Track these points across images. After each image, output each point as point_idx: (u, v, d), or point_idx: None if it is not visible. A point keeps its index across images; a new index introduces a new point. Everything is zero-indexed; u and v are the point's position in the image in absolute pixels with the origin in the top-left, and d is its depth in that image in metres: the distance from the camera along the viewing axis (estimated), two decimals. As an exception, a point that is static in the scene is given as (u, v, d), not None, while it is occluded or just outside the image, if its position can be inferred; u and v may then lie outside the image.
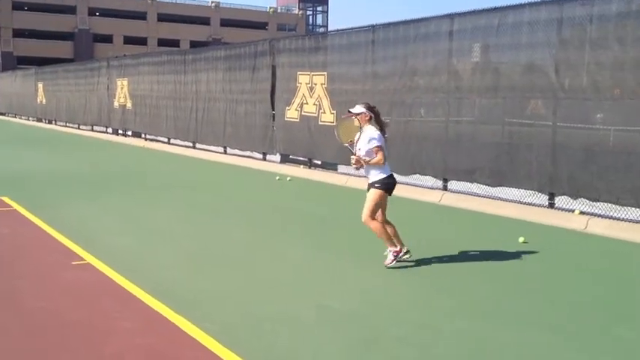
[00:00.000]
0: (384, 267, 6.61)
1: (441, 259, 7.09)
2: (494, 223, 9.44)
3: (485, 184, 10.65)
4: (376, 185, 6.56)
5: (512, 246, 7.79)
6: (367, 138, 6.51)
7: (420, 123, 11.93)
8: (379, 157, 6.45)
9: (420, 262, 6.89)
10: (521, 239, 7.96)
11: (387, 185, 6.60)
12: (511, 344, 4.61)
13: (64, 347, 4.32)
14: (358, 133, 6.71)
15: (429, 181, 11.80)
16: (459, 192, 11.19)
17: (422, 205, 10.99)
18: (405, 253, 6.69)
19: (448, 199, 11.06)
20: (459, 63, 11.42)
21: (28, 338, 4.47)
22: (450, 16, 11.24)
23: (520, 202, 10.10)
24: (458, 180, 11.24)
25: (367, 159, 6.50)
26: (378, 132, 6.56)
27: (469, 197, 10.85)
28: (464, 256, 7.29)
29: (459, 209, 10.53)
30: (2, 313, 4.97)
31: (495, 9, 10.41)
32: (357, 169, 6.78)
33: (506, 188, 10.33)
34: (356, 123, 6.71)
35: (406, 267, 6.67)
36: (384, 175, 6.57)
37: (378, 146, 6.45)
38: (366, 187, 6.77)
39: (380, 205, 6.62)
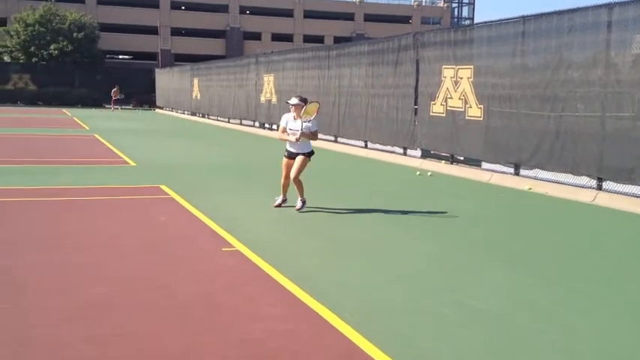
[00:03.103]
0: (527, 266, 6.36)
1: (592, 263, 6.71)
2: (655, 227, 8.76)
3: (646, 185, 9.91)
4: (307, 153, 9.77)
5: (675, 252, 7.19)
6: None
7: (574, 118, 11.30)
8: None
9: (568, 265, 6.57)
10: (685, 245, 7.33)
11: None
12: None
13: (212, 329, 4.53)
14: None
15: (582, 179, 11.17)
16: (614, 192, 10.49)
17: (573, 204, 10.43)
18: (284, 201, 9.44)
19: (602, 199, 10.41)
20: (617, 55, 10.69)
21: (178, 319, 4.73)
22: (609, 6, 10.54)
23: (685, 206, 9.29)
24: (614, 180, 10.54)
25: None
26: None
27: (626, 198, 10.14)
28: (618, 262, 6.83)
29: (614, 210, 9.88)
30: (157, 294, 5.31)
31: (662, -4, 9.64)
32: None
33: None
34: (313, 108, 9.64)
35: (553, 270, 6.36)
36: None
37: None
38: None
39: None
